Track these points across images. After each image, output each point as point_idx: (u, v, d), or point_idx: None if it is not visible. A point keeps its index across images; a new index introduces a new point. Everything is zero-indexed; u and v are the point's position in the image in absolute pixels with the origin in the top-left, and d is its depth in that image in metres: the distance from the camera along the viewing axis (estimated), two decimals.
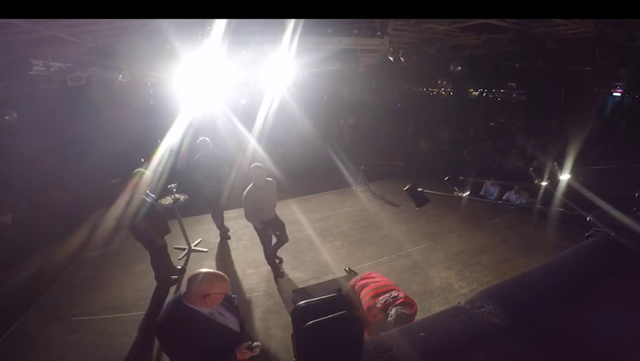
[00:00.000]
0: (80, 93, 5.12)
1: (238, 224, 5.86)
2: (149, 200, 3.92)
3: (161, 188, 5.04)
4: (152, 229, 3.87)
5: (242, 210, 5.76)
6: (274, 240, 4.33)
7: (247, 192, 3.90)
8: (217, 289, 1.80)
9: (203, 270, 1.84)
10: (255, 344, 1.91)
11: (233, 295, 2.07)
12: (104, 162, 5.79)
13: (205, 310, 1.82)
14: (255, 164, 3.93)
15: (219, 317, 1.89)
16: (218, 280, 1.81)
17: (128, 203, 3.68)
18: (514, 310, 1.06)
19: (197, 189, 5.11)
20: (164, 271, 4.28)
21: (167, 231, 4.16)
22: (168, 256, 4.40)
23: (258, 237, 5.51)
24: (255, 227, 4.09)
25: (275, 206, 4.25)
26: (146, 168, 5.38)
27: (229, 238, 5.43)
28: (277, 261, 4.57)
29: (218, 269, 4.86)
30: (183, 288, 1.85)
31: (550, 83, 9.02)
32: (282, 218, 6.16)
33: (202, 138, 5.14)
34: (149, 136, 7.27)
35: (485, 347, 0.96)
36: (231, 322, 1.96)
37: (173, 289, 4.30)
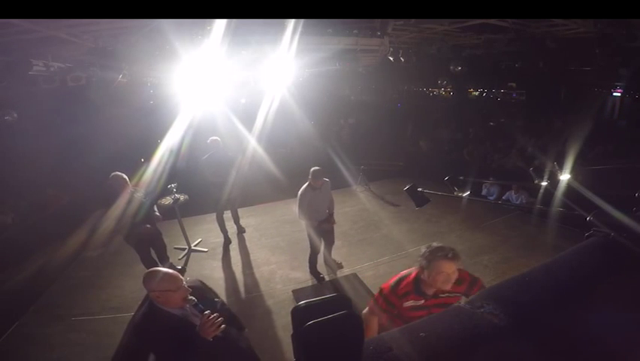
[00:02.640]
0: (80, 93, 5.12)
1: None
2: (143, 201, 3.91)
3: (161, 188, 5.04)
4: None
5: (242, 210, 5.81)
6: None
7: (302, 193, 3.91)
8: (167, 284, 1.77)
9: (151, 270, 1.86)
10: (206, 312, 1.83)
11: (216, 300, 2.03)
12: (104, 162, 5.79)
13: (177, 311, 1.82)
14: (316, 168, 3.90)
15: (194, 319, 1.85)
16: (165, 279, 1.79)
17: (121, 209, 3.66)
18: (514, 310, 1.06)
19: (204, 189, 5.06)
20: (152, 266, 4.25)
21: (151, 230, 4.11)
22: (165, 255, 4.39)
23: (257, 237, 5.57)
24: (306, 228, 4.12)
25: (333, 205, 4.26)
26: (145, 168, 5.42)
27: (230, 241, 5.40)
28: (337, 263, 4.60)
29: (218, 270, 4.90)
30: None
31: (550, 83, 9.02)
32: (282, 218, 6.21)
33: (213, 137, 5.06)
34: (149, 136, 7.26)
35: (485, 347, 0.96)
36: None
37: None
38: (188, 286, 1.86)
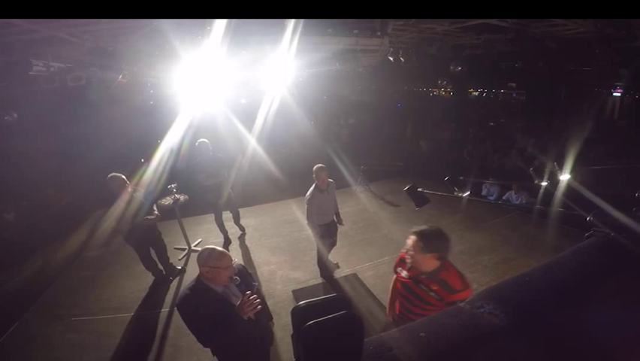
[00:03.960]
0: (80, 93, 5.12)
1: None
2: (143, 201, 3.91)
3: (161, 188, 5.04)
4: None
5: (242, 210, 5.80)
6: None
7: (311, 196, 3.85)
8: (217, 262, 1.91)
9: (206, 247, 2.00)
10: (247, 292, 1.95)
11: (254, 283, 2.17)
12: (104, 162, 5.80)
13: (218, 288, 1.96)
14: (319, 165, 3.86)
15: (234, 299, 1.98)
16: (214, 255, 1.93)
17: (122, 209, 3.67)
18: (514, 310, 1.06)
19: (200, 192, 5.03)
20: (152, 267, 4.27)
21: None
22: (165, 256, 4.41)
23: (257, 237, 5.57)
24: (313, 231, 4.09)
25: (337, 206, 4.25)
26: (145, 168, 5.43)
27: (230, 241, 5.39)
28: (333, 263, 4.58)
29: None
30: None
31: (550, 83, 9.02)
32: (282, 218, 6.22)
33: (201, 140, 5.00)
34: (149, 136, 7.27)
35: (485, 347, 0.96)
36: None
37: (173, 288, 4.31)
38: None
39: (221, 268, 1.92)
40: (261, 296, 2.24)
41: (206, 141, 5.00)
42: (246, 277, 2.18)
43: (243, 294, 2.00)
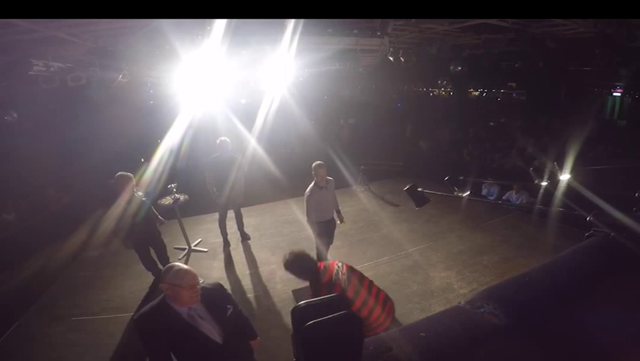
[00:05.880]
0: (80, 93, 5.12)
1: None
2: (144, 200, 3.92)
3: (161, 188, 5.03)
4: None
5: (243, 210, 5.80)
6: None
7: (310, 192, 3.85)
8: (177, 280, 1.73)
9: (171, 263, 1.86)
10: None
11: (228, 306, 1.97)
12: (103, 162, 5.80)
13: (183, 310, 1.78)
14: (317, 162, 3.88)
15: (200, 321, 1.81)
16: (178, 273, 1.76)
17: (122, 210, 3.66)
18: (514, 310, 1.06)
19: (203, 189, 4.95)
20: (152, 267, 4.26)
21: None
22: (165, 255, 4.40)
23: (257, 237, 5.56)
24: (313, 230, 4.06)
25: (336, 205, 4.24)
26: (145, 168, 5.42)
27: (229, 243, 5.30)
28: None
29: (218, 269, 4.87)
30: None
31: (550, 83, 9.03)
32: (282, 218, 6.21)
33: (223, 138, 4.85)
34: (149, 136, 7.27)
35: (485, 347, 0.96)
36: (214, 331, 1.85)
37: None
38: (201, 288, 1.82)
39: (182, 286, 1.71)
40: (242, 317, 2.09)
41: (228, 140, 4.86)
42: (221, 298, 1.98)
43: (213, 317, 1.83)
